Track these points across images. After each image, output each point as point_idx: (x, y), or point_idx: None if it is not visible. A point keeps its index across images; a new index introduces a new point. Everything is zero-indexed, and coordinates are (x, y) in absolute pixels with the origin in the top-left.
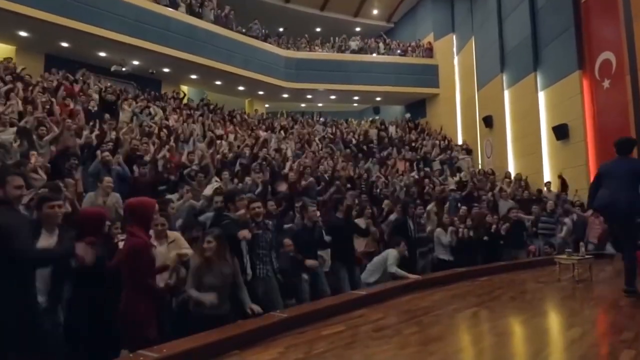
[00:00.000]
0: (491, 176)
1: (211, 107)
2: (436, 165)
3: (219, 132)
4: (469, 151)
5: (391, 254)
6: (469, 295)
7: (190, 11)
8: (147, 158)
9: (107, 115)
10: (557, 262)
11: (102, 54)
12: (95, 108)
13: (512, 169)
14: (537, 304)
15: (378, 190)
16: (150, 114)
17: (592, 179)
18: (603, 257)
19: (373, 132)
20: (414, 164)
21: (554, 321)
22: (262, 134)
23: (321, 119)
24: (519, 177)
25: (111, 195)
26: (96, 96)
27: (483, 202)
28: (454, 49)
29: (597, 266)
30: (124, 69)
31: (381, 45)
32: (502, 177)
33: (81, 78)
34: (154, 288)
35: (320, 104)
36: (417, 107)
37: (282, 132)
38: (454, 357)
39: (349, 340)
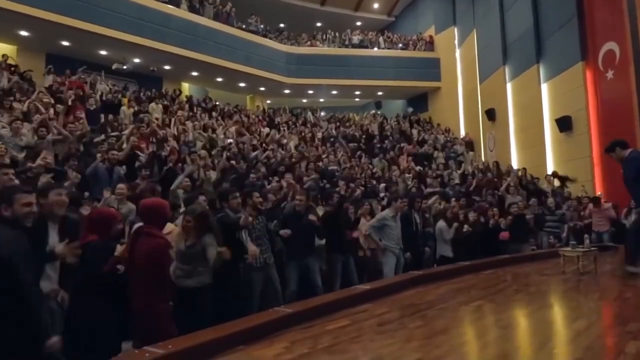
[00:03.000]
0: (496, 170)
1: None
2: (439, 159)
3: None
4: (470, 144)
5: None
6: (473, 288)
7: (191, 8)
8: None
9: (110, 116)
10: (562, 254)
11: (103, 52)
12: (94, 106)
13: (515, 162)
14: (541, 297)
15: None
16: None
17: (595, 170)
18: (607, 250)
19: (374, 127)
20: (417, 159)
21: (558, 313)
22: (265, 130)
23: (322, 113)
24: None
25: (126, 205)
26: (98, 94)
27: (488, 197)
28: (456, 42)
29: (602, 258)
30: (125, 67)
31: (381, 39)
32: (506, 170)
33: (83, 76)
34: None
35: (321, 99)
36: (419, 101)
37: (284, 129)
38: (459, 350)
39: (354, 335)
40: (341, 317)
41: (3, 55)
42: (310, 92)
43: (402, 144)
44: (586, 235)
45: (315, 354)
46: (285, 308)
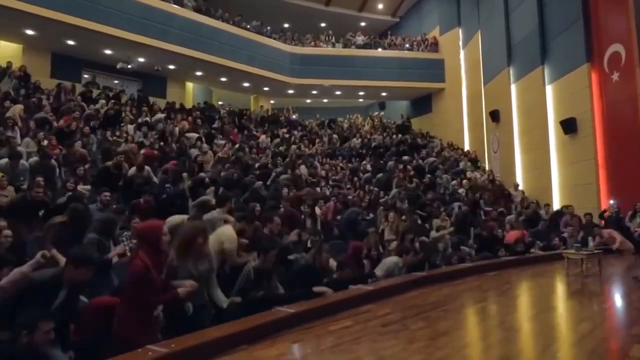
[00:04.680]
0: (500, 189)
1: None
2: (441, 172)
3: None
4: (475, 162)
5: (388, 261)
6: (477, 290)
7: (197, 10)
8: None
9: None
10: (566, 257)
11: (108, 52)
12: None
13: (519, 164)
14: (545, 299)
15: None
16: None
17: (600, 173)
18: (611, 252)
19: (379, 139)
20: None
21: (562, 316)
22: (263, 137)
23: (326, 121)
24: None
25: None
26: (102, 101)
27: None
28: (460, 43)
29: (606, 261)
30: (129, 67)
31: (385, 43)
32: (511, 186)
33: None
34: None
35: (325, 100)
36: (423, 102)
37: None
38: (462, 352)
39: (357, 336)
40: (344, 317)
41: (21, 67)
42: (314, 92)
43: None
44: (590, 238)
45: (317, 354)
46: (288, 308)
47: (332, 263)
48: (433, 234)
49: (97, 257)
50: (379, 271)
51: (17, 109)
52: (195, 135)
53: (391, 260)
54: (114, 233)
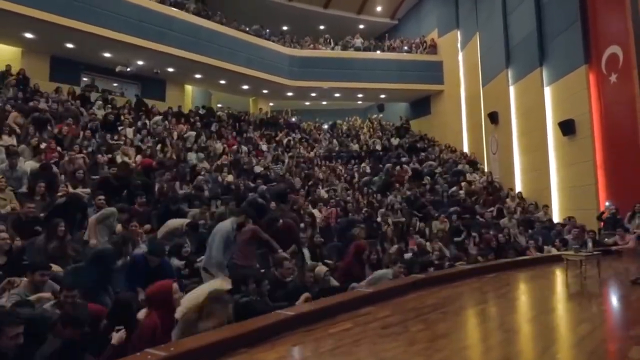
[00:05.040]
0: (498, 191)
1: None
2: (440, 177)
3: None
4: (474, 163)
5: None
6: (476, 292)
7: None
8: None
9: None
10: (565, 258)
11: (107, 55)
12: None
13: (517, 165)
14: (545, 301)
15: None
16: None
17: (599, 174)
18: (610, 254)
19: (377, 142)
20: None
21: (562, 317)
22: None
23: (325, 126)
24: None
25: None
26: (100, 102)
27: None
28: (459, 45)
29: (605, 262)
30: (128, 69)
31: (384, 46)
32: (508, 191)
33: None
34: None
35: (324, 102)
36: (422, 104)
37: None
38: (461, 354)
39: (357, 338)
40: (344, 320)
41: (20, 70)
42: (313, 94)
43: (404, 159)
44: (589, 239)
45: (317, 357)
46: (288, 311)
47: (322, 269)
48: (429, 246)
49: (86, 318)
50: (365, 282)
51: (12, 116)
52: (193, 133)
53: (381, 272)
54: (128, 247)
